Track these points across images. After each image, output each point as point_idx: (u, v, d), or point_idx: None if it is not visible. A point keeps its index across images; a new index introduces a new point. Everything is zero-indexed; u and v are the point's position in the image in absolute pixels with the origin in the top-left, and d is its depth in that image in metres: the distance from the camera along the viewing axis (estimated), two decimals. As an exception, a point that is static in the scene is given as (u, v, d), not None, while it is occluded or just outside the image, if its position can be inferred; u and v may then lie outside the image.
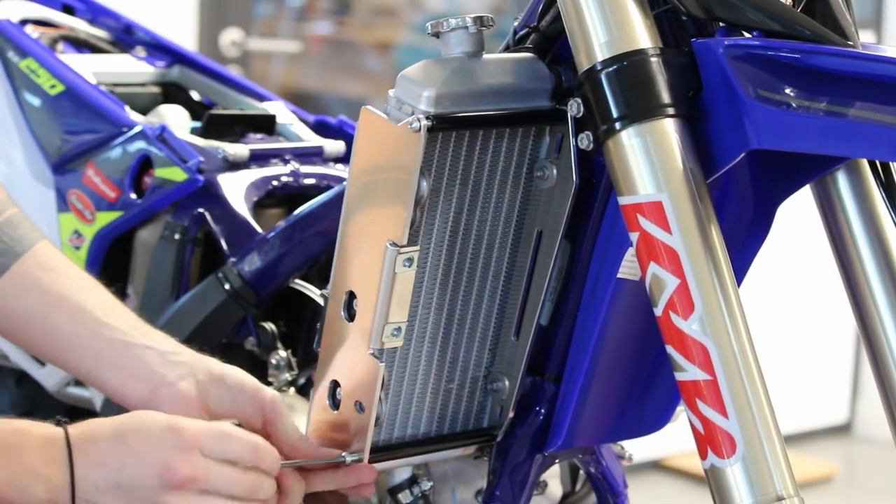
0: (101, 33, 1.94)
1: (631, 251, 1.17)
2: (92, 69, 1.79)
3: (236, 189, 1.58)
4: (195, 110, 1.80)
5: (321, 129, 1.77)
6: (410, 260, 1.21)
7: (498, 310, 1.31)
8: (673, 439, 1.79)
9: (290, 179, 1.62)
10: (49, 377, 1.71)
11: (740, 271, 1.23)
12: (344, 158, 1.69)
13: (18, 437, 1.17)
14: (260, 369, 1.55)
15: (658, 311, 1.14)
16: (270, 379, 1.49)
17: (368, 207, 1.23)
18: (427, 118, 1.17)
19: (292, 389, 1.48)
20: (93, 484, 1.16)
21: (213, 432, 1.19)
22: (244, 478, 1.19)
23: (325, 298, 1.29)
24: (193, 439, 1.17)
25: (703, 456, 1.13)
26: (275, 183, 1.61)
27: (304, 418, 1.35)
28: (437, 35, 1.23)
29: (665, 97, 1.14)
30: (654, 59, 1.15)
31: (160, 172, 1.59)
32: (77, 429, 1.18)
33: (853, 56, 1.14)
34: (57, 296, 1.31)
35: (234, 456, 1.19)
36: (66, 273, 1.33)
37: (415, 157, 1.18)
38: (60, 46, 1.86)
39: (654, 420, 1.35)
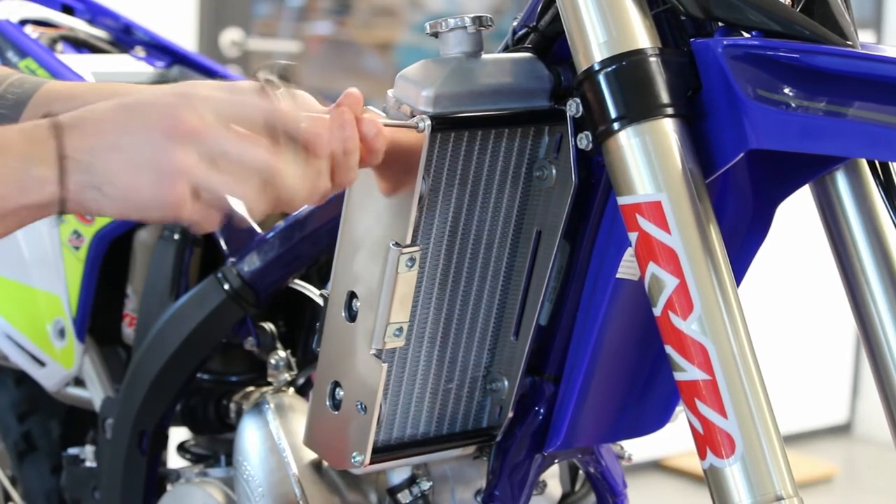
0: (100, 33, 1.94)
1: (630, 251, 1.17)
2: (91, 69, 1.79)
3: (236, 189, 1.57)
4: (194, 110, 1.79)
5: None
6: (413, 260, 1.21)
7: (497, 310, 1.30)
8: (673, 439, 1.79)
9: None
10: (48, 377, 1.71)
11: (740, 271, 1.22)
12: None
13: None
14: (259, 369, 1.55)
15: (657, 311, 1.14)
16: (270, 379, 1.49)
17: (369, 208, 1.23)
18: (429, 118, 1.17)
19: (291, 389, 1.48)
20: (88, 150, 1.05)
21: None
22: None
23: (325, 298, 1.29)
24: (206, 98, 1.08)
25: (702, 456, 1.13)
26: (274, 183, 1.61)
27: (303, 419, 1.35)
28: (435, 35, 1.23)
29: (664, 97, 1.14)
30: (652, 59, 1.15)
31: (159, 172, 1.58)
32: (68, 115, 1.08)
33: (852, 56, 1.14)
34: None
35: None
36: (74, 93, 1.28)
37: (419, 157, 1.17)
38: (60, 46, 1.86)
39: (653, 420, 1.35)
